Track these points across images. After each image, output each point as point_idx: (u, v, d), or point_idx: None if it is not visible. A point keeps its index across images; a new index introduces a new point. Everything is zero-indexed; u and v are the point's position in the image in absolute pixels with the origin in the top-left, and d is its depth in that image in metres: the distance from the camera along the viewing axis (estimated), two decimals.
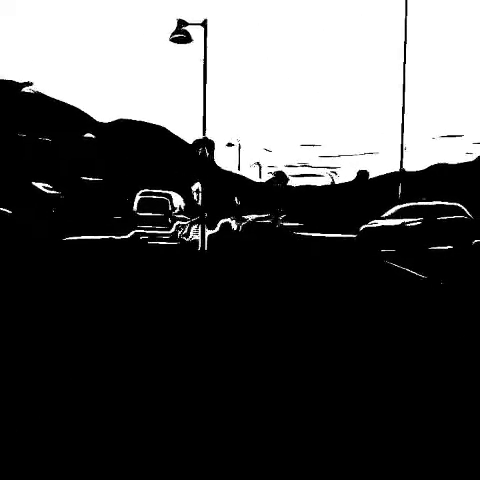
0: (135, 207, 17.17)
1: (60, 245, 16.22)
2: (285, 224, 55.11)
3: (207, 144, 12.91)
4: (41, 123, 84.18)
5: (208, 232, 25.13)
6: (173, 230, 16.95)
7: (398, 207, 15.18)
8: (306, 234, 30.81)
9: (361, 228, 15.04)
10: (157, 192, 17.25)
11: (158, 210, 16.61)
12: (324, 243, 19.81)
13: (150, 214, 16.59)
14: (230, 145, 29.75)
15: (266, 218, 54.42)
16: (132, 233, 17.57)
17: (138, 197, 17.80)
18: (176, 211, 17.31)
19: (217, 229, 28.77)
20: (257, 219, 54.40)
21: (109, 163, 75.58)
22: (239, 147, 31.45)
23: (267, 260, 11.70)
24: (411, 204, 15.01)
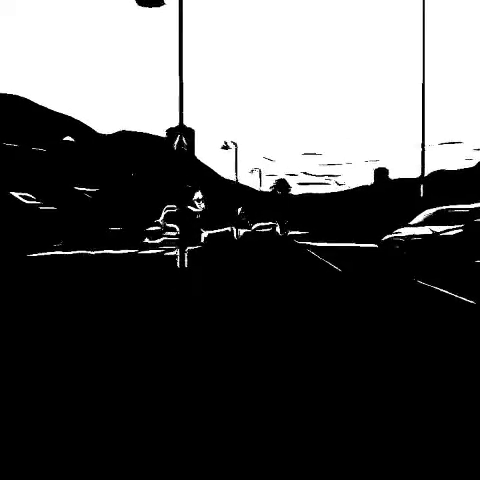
0: (162, 218, 21.20)
1: (18, 263, 13.10)
2: (290, 233, 52.01)
3: (185, 133, 9.77)
4: (40, 134, 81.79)
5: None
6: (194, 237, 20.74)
7: (428, 212, 11.92)
8: (314, 244, 27.47)
9: (384, 238, 11.78)
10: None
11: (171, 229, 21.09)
12: (335, 255, 16.49)
13: (175, 225, 20.77)
14: (226, 148, 26.86)
15: (269, 226, 51.56)
16: (162, 239, 21.15)
17: (165, 211, 21.72)
18: (195, 221, 21.13)
19: (204, 242, 27.65)
20: (260, 227, 51.57)
21: (110, 173, 73.08)
22: (236, 150, 28.41)
23: (271, 285, 8.54)
24: (444, 208, 11.77)
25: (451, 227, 10.62)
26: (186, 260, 10.21)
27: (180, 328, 4.67)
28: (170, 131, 10.23)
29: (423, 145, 18.80)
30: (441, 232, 10.41)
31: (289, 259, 15.01)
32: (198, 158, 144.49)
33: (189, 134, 10.03)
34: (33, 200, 32.38)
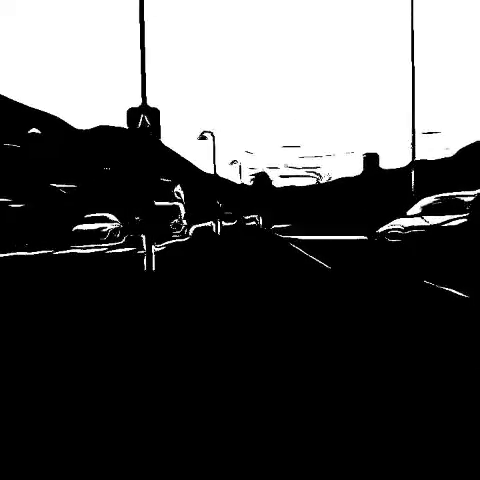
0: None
1: None
2: (273, 226, 50.55)
3: (148, 114, 8.23)
4: (14, 131, 78.75)
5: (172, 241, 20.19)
6: (182, 230, 22.17)
7: (426, 201, 10.58)
8: (298, 237, 26.11)
9: (380, 230, 10.41)
10: (167, 204, 22.78)
11: (171, 218, 21.80)
12: (322, 250, 15.14)
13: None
14: (203, 138, 25.26)
15: (251, 220, 50.05)
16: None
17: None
18: (183, 217, 22.82)
19: (191, 234, 26.61)
20: (244, 221, 50.02)
21: (87, 170, 70.56)
22: (213, 141, 26.85)
23: (247, 290, 7.05)
24: (445, 195, 10.46)
25: (454, 216, 9.33)
26: (154, 261, 8.68)
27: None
28: (132, 111, 8.65)
29: (413, 130, 17.59)
30: (444, 222, 9.11)
31: (270, 255, 13.62)
32: (176, 151, 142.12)
33: (153, 114, 8.47)
34: (1, 197, 30.35)
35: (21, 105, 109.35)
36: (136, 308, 5.52)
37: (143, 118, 8.30)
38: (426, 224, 8.90)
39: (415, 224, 9.11)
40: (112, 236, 22.06)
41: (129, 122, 8.47)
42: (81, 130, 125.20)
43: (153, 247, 8.80)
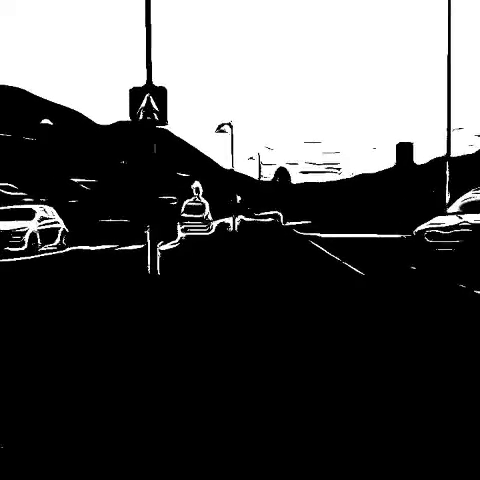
0: (182, 209, 24.31)
1: None
2: (290, 223, 48.92)
3: (154, 93, 7.16)
4: (33, 125, 79.14)
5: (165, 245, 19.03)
6: (209, 226, 23.87)
7: (469, 197, 9.22)
8: (319, 235, 24.81)
9: (418, 229, 9.12)
10: (198, 201, 24.73)
11: (199, 213, 24.01)
12: (349, 251, 13.85)
13: (193, 216, 23.75)
14: (221, 131, 24.07)
15: (271, 216, 48.37)
16: (183, 226, 23.51)
17: (184, 203, 24.97)
18: (208, 213, 24.30)
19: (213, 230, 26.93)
20: (260, 217, 48.29)
21: (108, 165, 70.20)
22: (231, 133, 25.66)
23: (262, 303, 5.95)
24: None
25: None
26: (158, 264, 7.62)
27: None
28: (135, 92, 7.55)
29: (449, 122, 16.23)
30: None
31: (290, 257, 12.44)
32: (192, 144, 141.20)
33: (160, 95, 7.35)
34: (16, 191, 29.69)
35: (46, 101, 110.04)
36: (137, 317, 4.45)
37: (148, 99, 7.20)
38: (473, 222, 7.63)
39: (458, 222, 7.85)
40: (33, 242, 14.45)
41: (132, 105, 7.39)
42: (102, 125, 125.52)
43: (167, 245, 7.77)
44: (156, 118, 7.47)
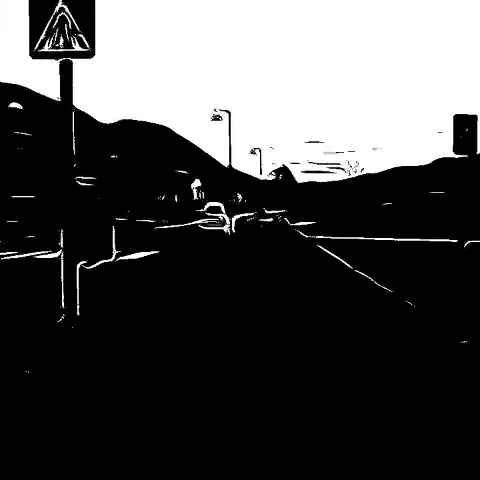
0: (205, 209, 29.35)
1: None
2: (297, 224, 46.41)
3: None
4: (33, 123, 77.38)
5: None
6: (226, 224, 27.84)
7: None
8: (328, 238, 22.62)
9: None
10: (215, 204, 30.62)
11: (217, 212, 28.91)
12: (379, 264, 11.64)
13: (213, 214, 27.97)
14: (216, 119, 22.03)
15: (275, 215, 45.81)
16: (205, 220, 27.15)
17: (207, 205, 30.70)
18: (224, 212, 29.28)
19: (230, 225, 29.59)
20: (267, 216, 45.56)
21: (108, 162, 68.18)
22: (229, 120, 23.57)
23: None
24: None
25: None
26: (78, 298, 4.70)
27: None
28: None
29: None
30: None
31: (298, 269, 10.45)
32: (191, 141, 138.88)
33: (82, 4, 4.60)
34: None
35: (47, 98, 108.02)
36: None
37: (60, 13, 4.35)
38: None
39: None
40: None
41: (33, 27, 4.24)
42: (105, 123, 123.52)
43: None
44: (78, 45, 4.29)
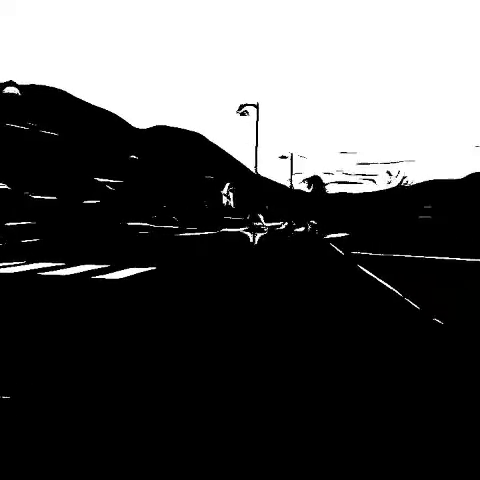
0: (249, 217, 32.87)
1: None
2: (328, 236, 43.59)
3: None
4: (79, 127, 77.87)
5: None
6: (264, 230, 30.20)
7: None
8: (367, 254, 20.23)
9: None
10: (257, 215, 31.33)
11: (259, 220, 32.03)
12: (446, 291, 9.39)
13: (259, 223, 32.49)
14: (243, 113, 20.20)
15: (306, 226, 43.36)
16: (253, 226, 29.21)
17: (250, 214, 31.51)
18: (263, 220, 33.52)
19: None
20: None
21: (140, 167, 67.48)
22: (257, 113, 21.55)
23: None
24: None
25: None
26: None
27: None
28: None
29: None
30: None
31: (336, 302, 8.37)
32: (224, 149, 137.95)
33: None
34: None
35: (85, 103, 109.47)
36: None
37: None
38: None
39: None
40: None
41: None
42: (140, 129, 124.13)
43: None
44: None
